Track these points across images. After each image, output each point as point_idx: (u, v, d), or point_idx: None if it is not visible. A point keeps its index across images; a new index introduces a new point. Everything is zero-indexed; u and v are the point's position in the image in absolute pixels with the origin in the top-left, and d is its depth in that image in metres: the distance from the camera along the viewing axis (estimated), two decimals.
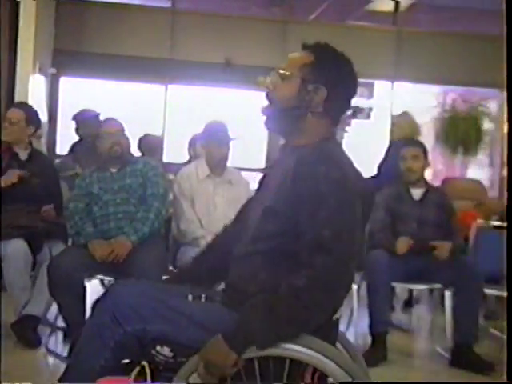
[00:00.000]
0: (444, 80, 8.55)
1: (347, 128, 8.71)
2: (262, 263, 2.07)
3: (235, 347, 1.91)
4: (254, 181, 5.63)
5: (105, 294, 2.09)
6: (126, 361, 2.09)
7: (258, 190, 2.33)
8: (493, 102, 8.70)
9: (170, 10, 8.90)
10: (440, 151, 7.29)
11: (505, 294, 4.96)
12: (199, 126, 4.72)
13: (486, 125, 8.01)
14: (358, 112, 8.69)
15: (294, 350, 1.96)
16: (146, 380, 2.03)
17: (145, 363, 2.04)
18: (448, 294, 4.45)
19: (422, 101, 9.72)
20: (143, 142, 6.42)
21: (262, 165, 8.33)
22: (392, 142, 6.62)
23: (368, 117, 8.75)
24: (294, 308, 1.91)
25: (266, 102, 2.13)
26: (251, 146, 8.01)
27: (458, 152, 7.08)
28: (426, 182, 4.86)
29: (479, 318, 4.58)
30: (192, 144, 6.02)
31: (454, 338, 4.37)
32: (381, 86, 9.30)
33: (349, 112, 7.81)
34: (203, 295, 2.24)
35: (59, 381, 2.15)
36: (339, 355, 2.05)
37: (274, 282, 1.97)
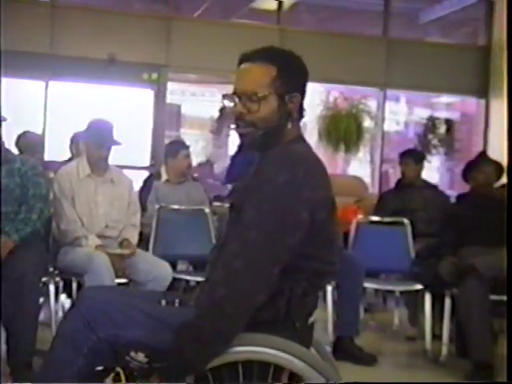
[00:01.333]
0: (327, 78, 8.72)
1: (233, 126, 8.75)
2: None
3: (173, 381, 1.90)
4: (137, 179, 5.62)
5: (77, 300, 2.07)
6: (100, 368, 2.04)
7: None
8: (372, 100, 8.96)
9: (50, 3, 8.64)
10: (323, 148, 7.44)
11: (388, 287, 5.17)
12: (82, 124, 4.61)
13: (367, 122, 8.23)
14: None
15: (263, 352, 1.96)
16: None
17: (119, 369, 1.99)
18: (329, 287, 4.55)
19: (306, 99, 9.88)
20: (21, 140, 6.22)
21: (147, 163, 8.23)
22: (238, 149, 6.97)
23: None
24: (217, 321, 1.88)
25: (240, 127, 2.07)
26: (135, 144, 7.90)
27: (340, 149, 7.25)
28: None
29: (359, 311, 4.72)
30: (74, 142, 5.88)
31: (336, 331, 4.48)
32: None
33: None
34: (177, 300, 2.23)
35: None
36: (309, 355, 2.05)
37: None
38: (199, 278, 4.99)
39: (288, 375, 2.03)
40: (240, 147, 7.26)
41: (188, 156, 5.48)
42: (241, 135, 2.10)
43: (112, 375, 1.99)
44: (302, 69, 2.14)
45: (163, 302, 2.20)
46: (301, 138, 2.14)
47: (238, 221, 1.98)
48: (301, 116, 2.15)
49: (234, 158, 7.23)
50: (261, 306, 1.93)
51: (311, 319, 2.14)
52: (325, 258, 2.07)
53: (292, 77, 2.09)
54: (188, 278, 5.01)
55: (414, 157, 5.98)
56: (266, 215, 1.92)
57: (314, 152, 2.13)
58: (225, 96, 2.12)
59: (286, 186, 1.93)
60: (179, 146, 5.68)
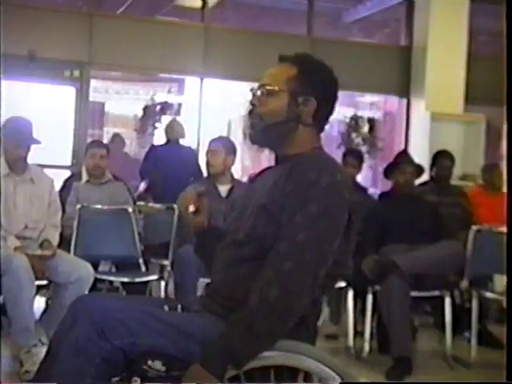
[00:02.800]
0: (251, 77, 8.72)
1: (157, 124, 8.66)
2: (248, 270, 2.04)
3: (215, 372, 1.87)
4: (58, 178, 5.49)
5: (86, 308, 1.99)
6: (117, 378, 1.98)
7: (233, 204, 2.29)
8: None
9: None
10: (247, 148, 7.42)
11: None
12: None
13: None
14: (167, 108, 8.67)
15: (270, 356, 1.97)
16: None
17: (137, 379, 1.94)
18: None
19: (231, 97, 9.89)
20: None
21: (68, 162, 8.06)
22: (152, 145, 7.03)
23: (178, 113, 8.75)
24: (269, 320, 1.91)
25: (252, 118, 2.13)
26: (57, 143, 7.74)
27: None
28: (232, 178, 4.96)
29: None
30: None
31: None
32: (191, 82, 9.34)
33: (157, 108, 7.73)
34: (179, 305, 2.22)
35: None
36: (318, 352, 2.06)
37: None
38: (123, 279, 4.93)
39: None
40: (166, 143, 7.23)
41: (98, 155, 5.34)
42: (247, 127, 2.16)
43: None
44: (328, 78, 2.17)
45: (166, 308, 2.19)
46: (322, 148, 2.18)
47: (274, 224, 1.99)
48: (321, 125, 2.18)
49: (151, 152, 7.19)
50: None
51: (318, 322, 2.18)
52: (344, 262, 2.11)
53: (311, 80, 2.12)
54: (111, 278, 4.95)
55: (357, 157, 6.04)
56: (314, 217, 1.94)
57: (337, 162, 2.17)
58: (252, 89, 2.16)
59: (329, 188, 1.97)
60: (95, 145, 5.60)
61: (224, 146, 4.89)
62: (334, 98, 2.19)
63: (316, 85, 2.12)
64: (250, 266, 2.04)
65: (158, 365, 1.95)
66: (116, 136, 8.99)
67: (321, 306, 2.18)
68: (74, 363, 1.91)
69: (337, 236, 1.99)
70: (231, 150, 4.91)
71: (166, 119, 8.35)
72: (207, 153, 4.94)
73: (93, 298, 2.21)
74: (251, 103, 2.14)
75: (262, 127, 2.12)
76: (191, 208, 2.47)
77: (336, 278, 2.15)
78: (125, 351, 1.94)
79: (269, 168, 2.26)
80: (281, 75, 2.13)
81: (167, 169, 6.83)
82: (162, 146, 7.31)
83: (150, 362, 1.94)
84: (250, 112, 2.15)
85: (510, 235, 2.88)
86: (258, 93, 2.13)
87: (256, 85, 2.18)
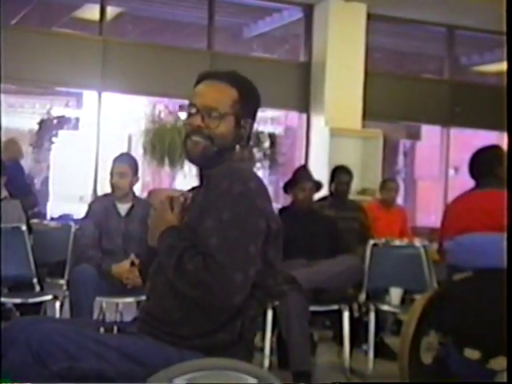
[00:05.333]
0: (150, 91, 8.64)
1: (54, 139, 8.45)
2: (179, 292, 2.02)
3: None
4: None
5: (22, 333, 1.89)
6: None
7: None
8: None
9: None
10: (147, 163, 7.34)
11: None
12: None
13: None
14: (64, 122, 8.47)
15: (207, 375, 1.90)
16: None
17: None
18: None
19: (130, 112, 9.75)
20: None
21: None
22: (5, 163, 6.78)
23: (76, 127, 8.56)
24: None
25: (196, 138, 2.13)
26: None
27: (165, 163, 7.19)
28: (134, 195, 4.88)
29: None
30: None
31: None
32: (89, 96, 9.16)
33: (54, 122, 7.57)
34: (115, 327, 2.19)
35: None
36: (257, 370, 2.00)
37: None
38: (16, 300, 4.76)
39: None
40: None
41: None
42: (192, 146, 2.15)
43: None
44: (258, 98, 2.26)
45: (101, 330, 2.16)
46: (244, 160, 2.24)
47: (196, 239, 2.01)
48: (247, 143, 2.23)
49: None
50: (217, 329, 2.01)
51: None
52: (275, 276, 2.13)
53: (249, 103, 2.21)
54: (3, 300, 4.76)
55: None
56: (225, 224, 1.97)
57: (255, 172, 2.23)
58: (181, 107, 2.17)
59: (241, 196, 2.01)
60: None
61: (129, 166, 4.80)
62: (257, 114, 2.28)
63: (253, 106, 2.23)
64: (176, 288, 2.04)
65: None
66: (10, 142, 8.09)
67: (258, 322, 2.18)
68: None
69: (251, 242, 2.00)
70: (135, 168, 4.83)
71: (63, 134, 8.15)
72: (112, 173, 4.83)
73: (29, 322, 2.11)
74: (191, 124, 2.15)
75: (214, 151, 2.15)
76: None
77: (270, 293, 2.16)
78: (62, 376, 1.88)
79: (196, 187, 2.28)
80: (226, 97, 2.16)
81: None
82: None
83: None
84: (194, 132, 2.15)
85: (510, 235, 2.92)
86: (202, 114, 2.15)
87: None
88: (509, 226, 2.99)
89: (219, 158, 2.15)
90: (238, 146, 2.20)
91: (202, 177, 2.21)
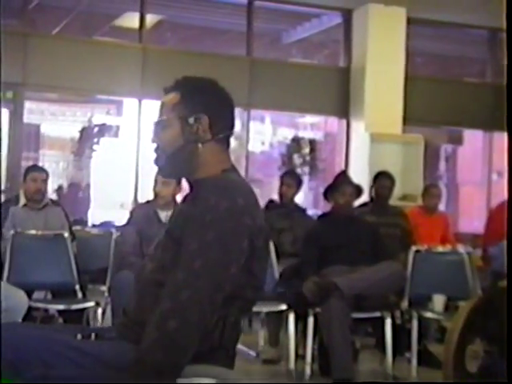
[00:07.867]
0: None
1: (95, 147, 8.53)
2: (156, 296, 1.98)
3: None
4: None
5: None
6: None
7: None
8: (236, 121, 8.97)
9: None
10: None
11: (254, 308, 5.15)
12: None
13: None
14: (105, 130, 8.55)
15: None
16: None
17: None
18: None
19: None
20: None
21: (2, 186, 7.83)
22: None
23: (116, 135, 8.63)
24: (171, 353, 1.86)
25: (156, 153, 2.16)
26: None
27: None
28: (175, 203, 4.91)
29: None
30: None
31: None
32: (129, 103, 9.23)
33: (95, 130, 7.68)
34: (93, 333, 2.18)
35: None
36: (235, 376, 2.06)
37: None
38: (59, 307, 4.81)
39: None
40: None
41: (39, 179, 5.24)
42: (155, 163, 2.18)
43: None
44: (212, 92, 2.19)
45: (79, 336, 2.14)
46: (233, 168, 2.19)
47: (178, 250, 1.97)
48: (222, 140, 2.17)
49: None
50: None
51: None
52: (257, 286, 2.10)
53: (195, 99, 2.15)
54: (46, 306, 4.81)
55: (295, 179, 6.07)
56: (209, 244, 1.94)
57: (246, 182, 2.20)
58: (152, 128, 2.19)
59: (227, 214, 1.96)
60: (36, 169, 5.54)
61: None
62: (229, 110, 2.22)
63: (202, 102, 2.15)
64: (159, 292, 2.00)
65: None
66: None
67: (240, 329, 2.14)
68: None
69: (236, 261, 1.97)
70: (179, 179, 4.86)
71: (104, 141, 8.23)
72: (156, 181, 4.89)
73: (4, 329, 2.11)
74: (152, 141, 2.18)
75: (165, 158, 2.15)
76: None
77: (252, 302, 2.13)
78: (36, 383, 1.86)
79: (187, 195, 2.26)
80: (168, 105, 2.16)
81: None
82: None
83: None
84: (155, 150, 2.17)
85: (510, 235, 2.87)
86: (154, 129, 2.17)
87: None
88: (509, 228, 2.94)
89: (180, 162, 2.14)
90: (200, 145, 2.13)
91: (190, 185, 2.21)
